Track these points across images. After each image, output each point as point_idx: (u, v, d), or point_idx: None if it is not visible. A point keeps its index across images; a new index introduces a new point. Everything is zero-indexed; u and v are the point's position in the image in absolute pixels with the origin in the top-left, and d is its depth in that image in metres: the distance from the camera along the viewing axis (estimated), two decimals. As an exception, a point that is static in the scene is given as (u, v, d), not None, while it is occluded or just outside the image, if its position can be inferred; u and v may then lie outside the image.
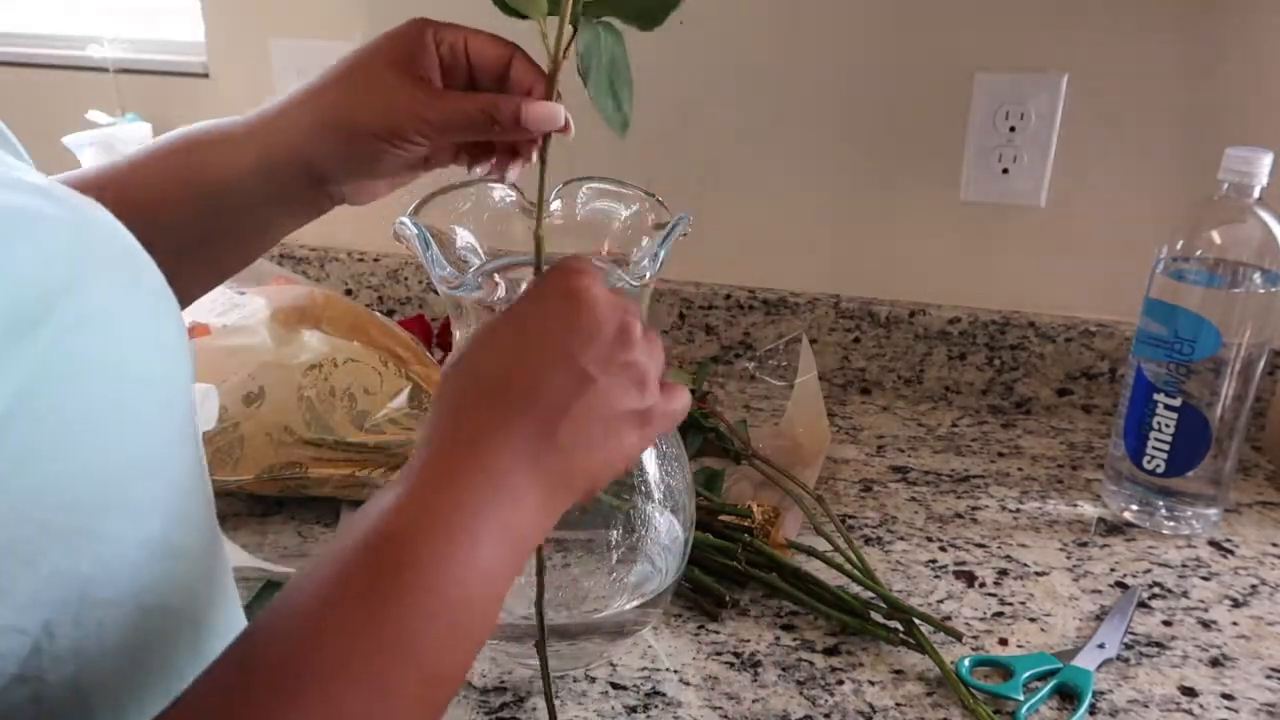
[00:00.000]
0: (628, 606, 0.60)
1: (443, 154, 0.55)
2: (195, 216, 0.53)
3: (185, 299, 0.55)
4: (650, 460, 0.61)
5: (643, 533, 0.61)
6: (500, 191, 0.57)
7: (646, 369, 0.44)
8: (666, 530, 0.61)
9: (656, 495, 0.61)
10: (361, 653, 0.33)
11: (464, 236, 0.57)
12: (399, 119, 0.50)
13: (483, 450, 0.39)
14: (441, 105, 0.50)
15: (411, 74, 0.50)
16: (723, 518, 0.71)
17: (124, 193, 0.51)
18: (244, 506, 0.78)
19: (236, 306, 0.87)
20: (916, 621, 0.64)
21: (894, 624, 0.65)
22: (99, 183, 0.52)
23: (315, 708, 0.31)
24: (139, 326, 0.34)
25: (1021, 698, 0.60)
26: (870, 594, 0.67)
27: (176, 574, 0.37)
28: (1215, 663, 0.64)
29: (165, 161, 0.53)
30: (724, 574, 0.69)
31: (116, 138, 1.07)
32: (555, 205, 0.57)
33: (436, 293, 0.78)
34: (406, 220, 0.52)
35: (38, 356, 0.29)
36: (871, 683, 0.61)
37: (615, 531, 0.61)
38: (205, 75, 1.14)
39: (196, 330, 0.86)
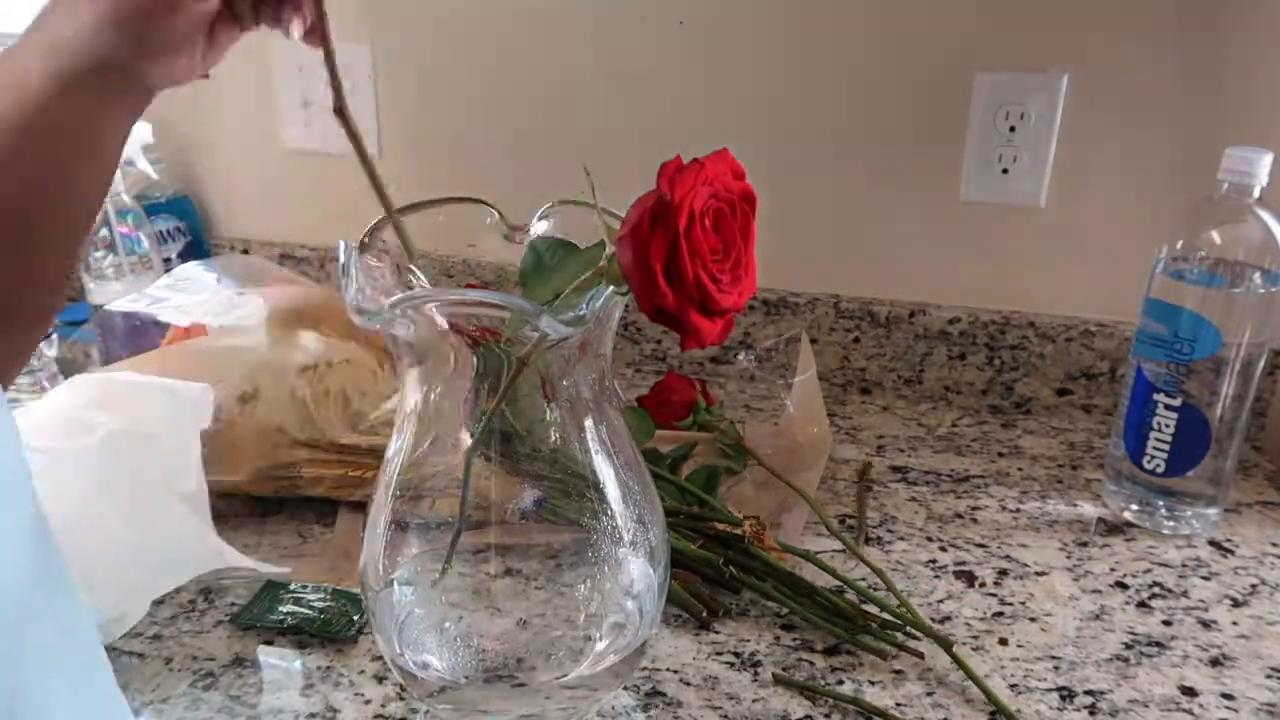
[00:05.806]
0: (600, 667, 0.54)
1: (242, 12, 0.54)
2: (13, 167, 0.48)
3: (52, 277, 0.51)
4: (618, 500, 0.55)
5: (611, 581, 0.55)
6: (482, 212, 0.55)
7: None
8: (640, 576, 0.55)
9: (625, 537, 0.55)
10: None
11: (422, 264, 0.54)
12: None
13: None
14: None
15: None
16: (715, 525, 0.71)
17: None
18: (244, 506, 0.78)
19: (234, 307, 0.86)
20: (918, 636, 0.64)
21: (890, 631, 0.64)
22: None
23: None
24: None
25: None
26: (865, 599, 0.67)
27: None
28: (1215, 663, 0.64)
29: None
30: (717, 582, 0.69)
31: (115, 138, 1.06)
32: (543, 226, 0.55)
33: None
34: (341, 242, 0.50)
35: None
36: (872, 683, 0.61)
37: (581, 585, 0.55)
38: (204, 75, 1.13)
39: (194, 331, 0.86)
